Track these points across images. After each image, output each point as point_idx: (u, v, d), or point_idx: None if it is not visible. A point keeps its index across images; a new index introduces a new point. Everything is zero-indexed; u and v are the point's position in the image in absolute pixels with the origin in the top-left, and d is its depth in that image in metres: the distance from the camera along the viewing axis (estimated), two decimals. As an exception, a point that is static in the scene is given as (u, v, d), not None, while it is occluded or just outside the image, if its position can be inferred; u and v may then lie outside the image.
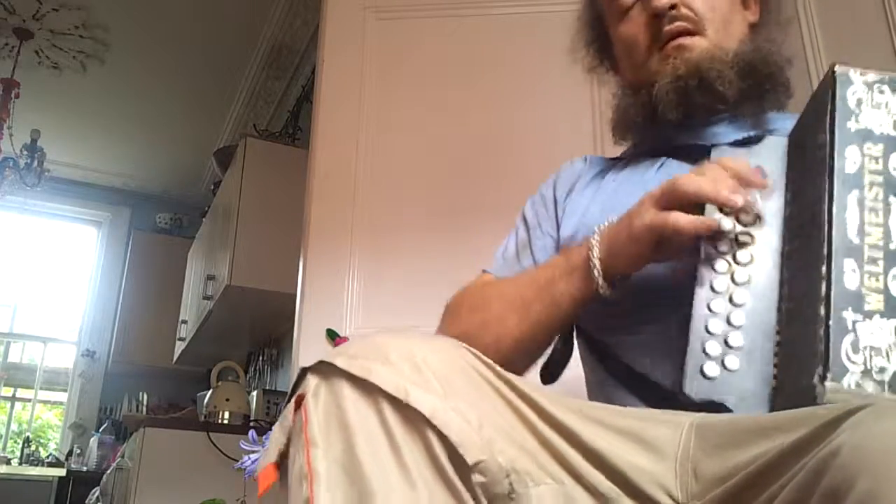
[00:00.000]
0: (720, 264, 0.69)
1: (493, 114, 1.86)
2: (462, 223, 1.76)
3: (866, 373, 0.56)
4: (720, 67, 0.83)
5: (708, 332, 0.67)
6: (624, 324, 0.80)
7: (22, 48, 3.77)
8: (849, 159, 0.64)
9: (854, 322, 0.58)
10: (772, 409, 0.62)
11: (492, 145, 1.83)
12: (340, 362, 0.53)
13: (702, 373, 0.65)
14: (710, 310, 0.67)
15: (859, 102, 0.66)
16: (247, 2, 3.50)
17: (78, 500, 4.09)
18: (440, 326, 0.92)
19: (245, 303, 3.28)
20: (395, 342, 0.56)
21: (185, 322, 4.13)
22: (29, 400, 5.24)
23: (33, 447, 4.79)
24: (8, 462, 4.62)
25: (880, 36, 1.32)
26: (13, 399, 5.21)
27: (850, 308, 0.59)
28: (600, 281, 0.73)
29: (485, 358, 0.59)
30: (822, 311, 0.59)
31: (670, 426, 0.60)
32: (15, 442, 5.05)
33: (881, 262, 0.60)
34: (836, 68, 0.67)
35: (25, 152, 4.07)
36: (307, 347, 1.72)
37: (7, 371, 5.19)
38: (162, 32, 3.70)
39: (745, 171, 0.69)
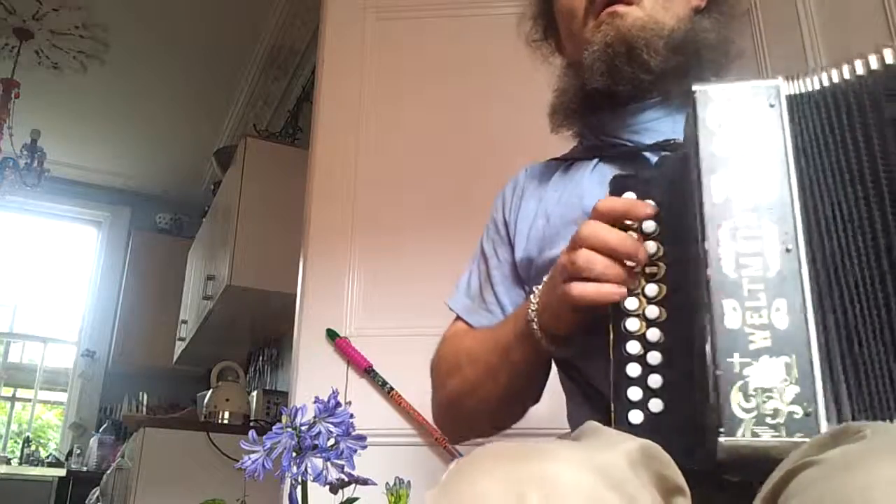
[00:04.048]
0: (630, 302, 0.65)
1: (493, 113, 1.86)
2: (462, 223, 1.76)
3: (760, 419, 0.53)
4: (649, 37, 0.81)
5: (627, 376, 0.63)
6: (589, 347, 0.78)
7: (22, 48, 3.77)
8: (715, 188, 0.60)
9: (742, 366, 0.54)
10: (697, 446, 0.58)
11: (492, 145, 1.83)
12: None
13: (627, 421, 0.62)
14: (626, 353, 0.63)
15: (721, 123, 0.61)
16: (247, 2, 3.50)
17: (78, 500, 4.09)
18: (432, 387, 0.96)
19: (245, 303, 3.28)
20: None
21: (185, 322, 4.13)
22: (29, 400, 5.23)
23: (33, 447, 4.78)
24: (8, 462, 4.61)
25: (880, 36, 1.32)
26: (13, 399, 5.21)
27: (735, 352, 0.55)
28: (552, 349, 0.74)
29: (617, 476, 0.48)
30: (708, 359, 0.56)
31: None
32: (15, 442, 5.05)
33: (762, 295, 0.56)
34: (694, 86, 0.63)
35: (25, 152, 4.07)
36: (307, 347, 1.72)
37: (7, 371, 5.18)
38: (162, 32, 3.70)
39: (629, 210, 0.66)
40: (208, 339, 3.86)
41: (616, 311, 0.65)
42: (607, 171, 0.85)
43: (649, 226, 0.66)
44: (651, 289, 0.65)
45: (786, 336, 0.55)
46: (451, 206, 1.80)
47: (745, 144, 0.60)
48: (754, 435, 0.53)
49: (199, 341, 3.91)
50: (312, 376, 1.68)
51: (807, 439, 0.51)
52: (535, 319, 0.74)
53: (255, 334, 3.88)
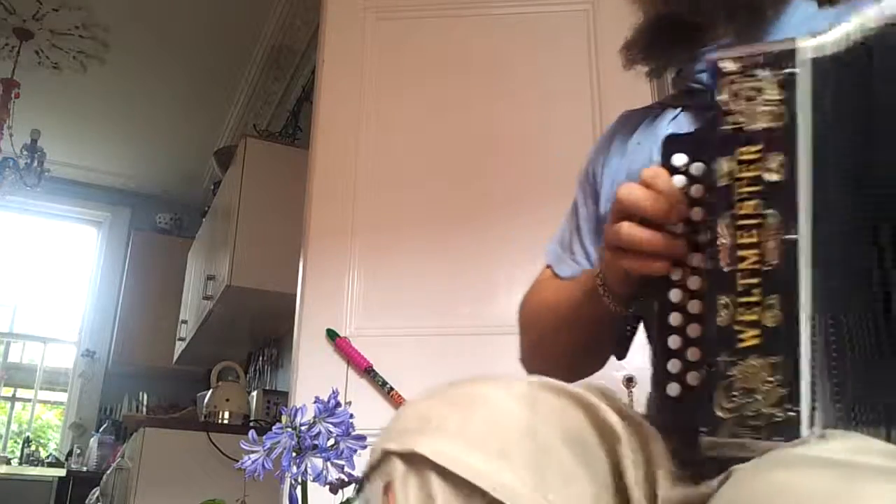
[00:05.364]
0: (676, 273, 0.61)
1: (494, 113, 1.86)
2: (462, 223, 1.76)
3: (741, 420, 0.52)
4: None
5: (668, 348, 0.60)
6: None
7: (22, 48, 3.77)
8: (718, 171, 0.55)
9: (727, 365, 0.53)
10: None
11: (492, 145, 1.83)
12: (429, 451, 0.52)
13: (665, 393, 0.60)
14: (668, 324, 0.60)
15: (735, 95, 0.56)
16: (247, 2, 3.50)
17: (78, 500, 4.09)
18: (520, 329, 0.97)
19: (245, 303, 3.28)
20: (482, 417, 0.55)
21: (185, 322, 4.13)
22: (29, 400, 5.24)
23: (33, 447, 4.78)
24: (8, 462, 4.61)
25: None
26: (13, 399, 5.21)
27: (723, 351, 0.53)
28: (612, 306, 0.75)
29: (596, 405, 0.56)
30: (699, 355, 0.55)
31: None
32: (15, 442, 5.05)
33: (756, 291, 0.53)
34: (708, 55, 0.58)
35: (25, 152, 4.07)
36: (307, 347, 1.72)
37: (7, 371, 5.18)
38: (162, 32, 3.70)
39: (670, 206, 0.63)
40: (208, 339, 3.86)
41: (662, 281, 0.62)
42: (683, 124, 0.84)
43: (697, 189, 0.61)
44: (695, 258, 0.60)
45: (776, 335, 0.52)
46: (452, 205, 1.80)
47: (755, 118, 0.55)
48: (734, 435, 0.52)
49: (199, 341, 3.91)
50: (312, 376, 1.68)
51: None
52: (602, 275, 0.75)
53: (255, 334, 3.88)
